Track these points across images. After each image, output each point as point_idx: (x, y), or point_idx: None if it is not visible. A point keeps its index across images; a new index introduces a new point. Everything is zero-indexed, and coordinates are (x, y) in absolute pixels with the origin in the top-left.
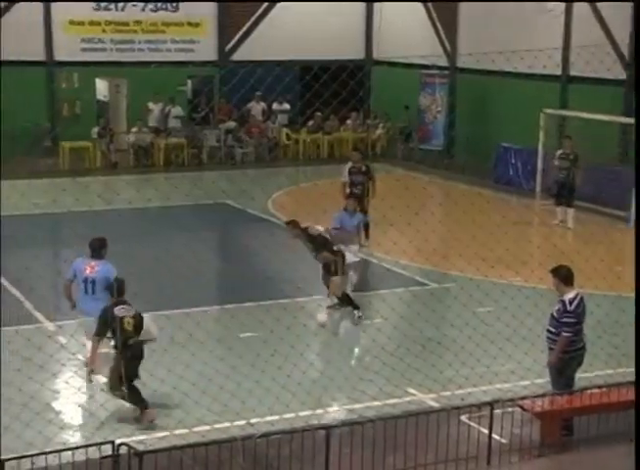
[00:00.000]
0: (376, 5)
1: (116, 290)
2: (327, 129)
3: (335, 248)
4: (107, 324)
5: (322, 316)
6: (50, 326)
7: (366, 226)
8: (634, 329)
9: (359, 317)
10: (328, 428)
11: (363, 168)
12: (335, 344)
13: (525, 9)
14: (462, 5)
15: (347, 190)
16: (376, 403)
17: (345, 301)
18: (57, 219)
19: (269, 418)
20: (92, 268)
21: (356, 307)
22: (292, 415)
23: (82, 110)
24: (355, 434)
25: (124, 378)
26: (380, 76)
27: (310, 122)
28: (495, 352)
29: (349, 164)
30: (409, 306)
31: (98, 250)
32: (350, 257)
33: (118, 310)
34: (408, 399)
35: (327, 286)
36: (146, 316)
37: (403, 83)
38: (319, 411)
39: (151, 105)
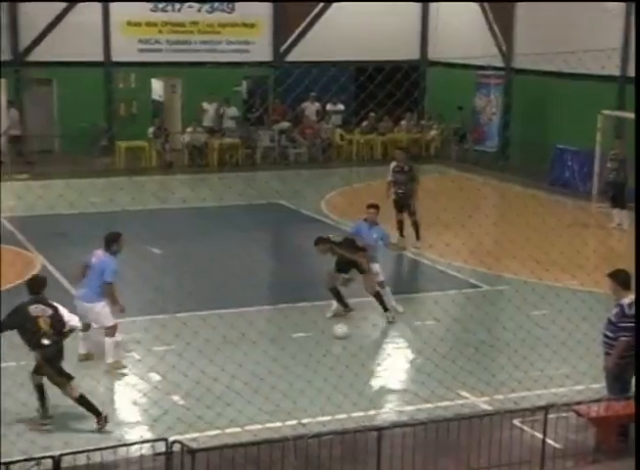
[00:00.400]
0: (432, 5)
1: (34, 287)
2: (381, 130)
3: (359, 244)
4: (13, 322)
5: (341, 328)
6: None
7: (416, 226)
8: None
9: (348, 311)
10: (380, 429)
11: (406, 168)
12: (387, 345)
13: (584, 9)
14: (518, 5)
15: (392, 190)
16: (427, 406)
17: (337, 296)
18: (113, 218)
19: (321, 418)
20: (97, 258)
21: (346, 306)
22: (343, 416)
23: (138, 110)
24: (407, 436)
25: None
26: (434, 77)
27: (364, 123)
28: (550, 355)
29: (394, 164)
30: (462, 309)
31: (109, 244)
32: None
33: (33, 309)
34: (461, 401)
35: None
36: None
37: (458, 84)
38: (371, 413)
39: (205, 105)
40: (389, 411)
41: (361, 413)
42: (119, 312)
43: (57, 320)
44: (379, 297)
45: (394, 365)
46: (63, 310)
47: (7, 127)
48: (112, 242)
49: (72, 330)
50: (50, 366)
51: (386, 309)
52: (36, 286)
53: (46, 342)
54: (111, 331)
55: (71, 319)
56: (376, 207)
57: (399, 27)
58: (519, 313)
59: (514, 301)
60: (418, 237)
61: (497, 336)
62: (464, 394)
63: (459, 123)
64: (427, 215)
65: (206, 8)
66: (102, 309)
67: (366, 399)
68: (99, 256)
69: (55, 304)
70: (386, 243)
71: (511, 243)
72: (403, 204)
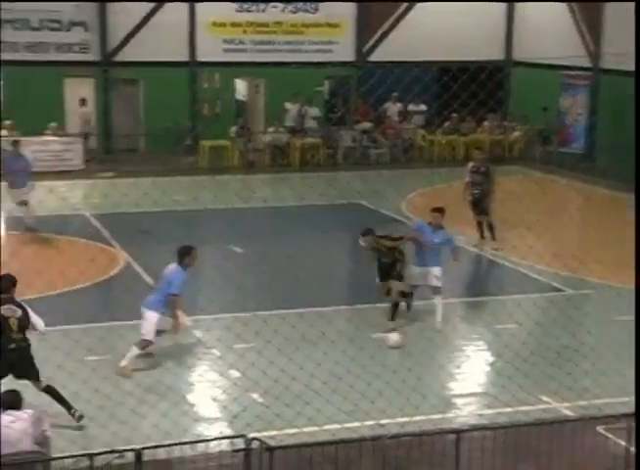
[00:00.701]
0: (518, 5)
1: (4, 286)
2: (463, 131)
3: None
4: None
5: (394, 337)
6: (187, 321)
7: (490, 227)
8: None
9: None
10: (458, 432)
11: (482, 168)
12: (467, 348)
13: None
14: (607, 4)
15: (468, 191)
16: (507, 410)
17: (393, 308)
18: (195, 216)
19: (399, 420)
20: (169, 269)
21: (409, 306)
22: (422, 418)
23: (222, 109)
24: (486, 440)
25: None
26: (519, 77)
27: (446, 124)
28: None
29: (470, 164)
30: (544, 313)
31: (181, 256)
32: (433, 281)
33: (5, 310)
34: (542, 406)
35: (385, 292)
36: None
37: (543, 84)
38: (449, 415)
39: (288, 105)
40: (468, 414)
41: (440, 415)
42: (176, 329)
43: (25, 322)
44: (396, 306)
45: (474, 368)
46: (31, 313)
47: (85, 125)
48: (184, 255)
49: (43, 333)
50: (13, 370)
51: (391, 320)
52: (6, 285)
53: (12, 346)
54: (143, 343)
55: (38, 323)
56: (440, 210)
57: (483, 27)
58: (603, 318)
59: (598, 305)
60: (494, 238)
61: (581, 341)
62: (545, 399)
63: (543, 124)
64: (510, 217)
65: (291, 8)
66: (150, 320)
67: (445, 401)
68: (171, 267)
69: (24, 305)
70: (452, 247)
71: (596, 246)
72: (479, 205)
